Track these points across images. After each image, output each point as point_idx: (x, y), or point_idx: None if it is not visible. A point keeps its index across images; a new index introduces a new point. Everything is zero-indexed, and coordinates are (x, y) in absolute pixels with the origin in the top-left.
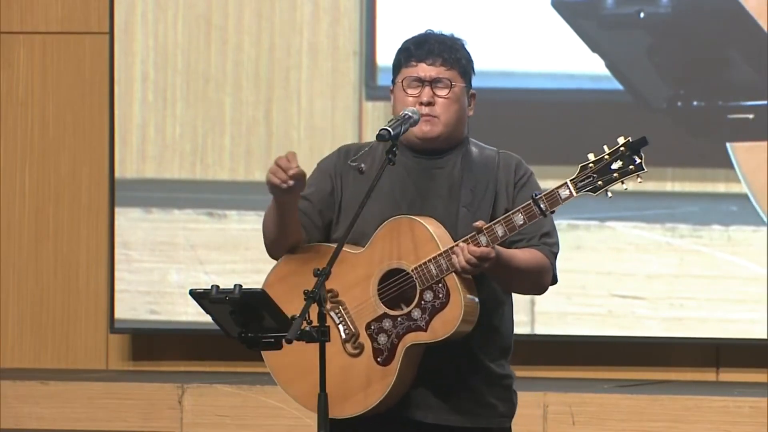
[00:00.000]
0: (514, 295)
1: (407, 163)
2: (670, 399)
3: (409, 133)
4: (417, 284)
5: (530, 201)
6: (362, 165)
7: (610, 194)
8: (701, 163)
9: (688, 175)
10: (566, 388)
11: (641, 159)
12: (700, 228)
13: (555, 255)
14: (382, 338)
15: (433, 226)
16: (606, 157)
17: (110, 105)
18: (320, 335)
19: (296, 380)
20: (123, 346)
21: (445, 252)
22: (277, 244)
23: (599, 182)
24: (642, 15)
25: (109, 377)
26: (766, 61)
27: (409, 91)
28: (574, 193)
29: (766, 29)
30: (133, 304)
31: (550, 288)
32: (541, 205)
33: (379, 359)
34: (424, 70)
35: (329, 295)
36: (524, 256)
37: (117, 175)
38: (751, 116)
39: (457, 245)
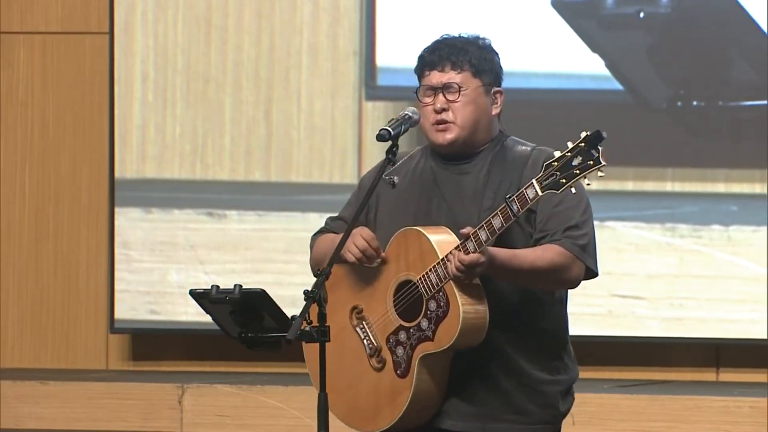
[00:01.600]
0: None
1: (436, 170)
2: (670, 399)
3: (431, 142)
4: (423, 294)
5: (504, 203)
6: (395, 178)
7: (573, 190)
8: (701, 163)
9: (688, 175)
10: None
11: (599, 153)
12: (700, 228)
13: (582, 247)
14: (400, 351)
15: (435, 235)
16: (567, 154)
17: (110, 105)
18: (320, 335)
19: (335, 399)
20: (123, 346)
21: (441, 260)
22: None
23: (562, 179)
24: (642, 15)
25: (109, 377)
26: (766, 61)
27: (425, 99)
28: (540, 192)
29: (766, 29)
30: (133, 304)
31: None
32: (513, 207)
33: (398, 372)
34: (436, 77)
35: (355, 311)
36: (533, 253)
37: (117, 175)
38: (751, 116)
39: (450, 252)
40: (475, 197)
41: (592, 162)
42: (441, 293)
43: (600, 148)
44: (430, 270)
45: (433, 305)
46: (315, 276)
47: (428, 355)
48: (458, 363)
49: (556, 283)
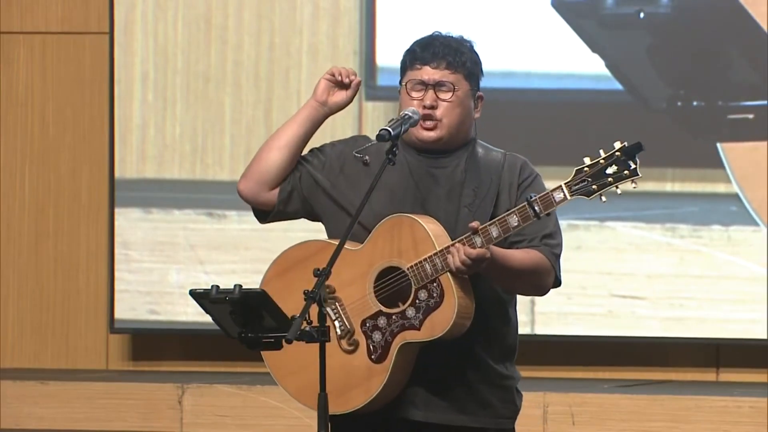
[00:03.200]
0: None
1: (411, 162)
2: (670, 399)
3: (411, 135)
4: (412, 283)
5: (525, 203)
6: (366, 157)
7: (603, 198)
8: (701, 163)
9: (688, 175)
10: (566, 388)
11: (636, 164)
12: (700, 228)
13: (557, 256)
14: (377, 336)
15: (430, 225)
16: (601, 161)
17: (110, 105)
18: (320, 335)
19: (292, 374)
20: (123, 346)
21: (440, 251)
22: (268, 168)
23: (593, 186)
24: (642, 15)
25: (109, 377)
26: (766, 61)
27: (413, 94)
28: (569, 197)
29: (766, 29)
30: (133, 304)
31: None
32: (536, 207)
33: (373, 357)
34: (428, 73)
35: (326, 291)
36: (521, 256)
37: (117, 175)
38: (751, 116)
39: (453, 245)
40: (453, 193)
41: (628, 172)
42: (435, 284)
43: (638, 159)
44: (426, 260)
45: (423, 295)
46: (253, 175)
47: (408, 344)
48: (425, 354)
49: (533, 288)
